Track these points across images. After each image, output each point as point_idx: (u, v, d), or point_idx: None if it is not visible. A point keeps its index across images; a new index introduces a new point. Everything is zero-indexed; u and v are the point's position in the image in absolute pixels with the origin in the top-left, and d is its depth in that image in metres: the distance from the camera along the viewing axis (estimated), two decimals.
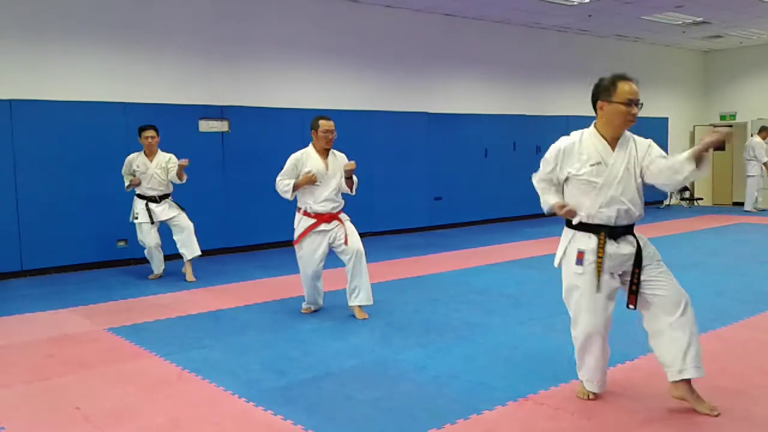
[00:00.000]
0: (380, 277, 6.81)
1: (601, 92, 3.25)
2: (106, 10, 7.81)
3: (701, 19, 11.64)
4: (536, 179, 3.46)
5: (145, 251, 7.04)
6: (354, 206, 5.58)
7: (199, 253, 6.97)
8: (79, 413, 3.41)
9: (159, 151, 6.91)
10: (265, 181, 8.94)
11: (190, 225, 6.94)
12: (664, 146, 11.82)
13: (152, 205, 6.86)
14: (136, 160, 6.88)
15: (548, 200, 3.37)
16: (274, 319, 5.26)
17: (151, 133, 6.82)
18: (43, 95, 7.42)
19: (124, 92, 7.94)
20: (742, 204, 13.50)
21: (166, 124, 7.34)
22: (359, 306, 5.23)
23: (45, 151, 7.40)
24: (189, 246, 6.92)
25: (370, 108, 10.10)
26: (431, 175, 10.86)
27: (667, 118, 14.40)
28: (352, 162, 5.23)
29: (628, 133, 3.32)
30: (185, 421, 3.28)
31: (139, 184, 6.81)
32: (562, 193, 3.37)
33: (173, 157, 6.89)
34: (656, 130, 13.98)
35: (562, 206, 3.26)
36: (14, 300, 6.20)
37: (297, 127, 9.21)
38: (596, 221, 3.29)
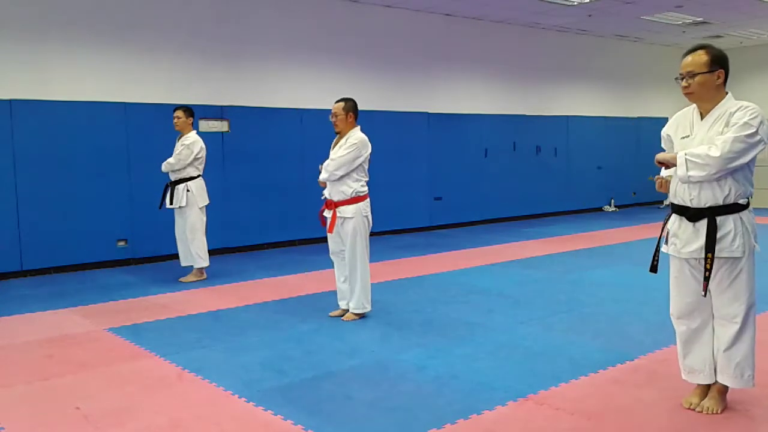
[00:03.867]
0: (380, 277, 6.81)
1: None
2: (106, 10, 7.81)
3: (701, 19, 11.64)
4: None
5: None
6: None
7: (193, 264, 6.86)
8: (79, 413, 3.41)
9: (192, 133, 6.81)
10: (265, 181, 9.01)
11: (193, 228, 6.77)
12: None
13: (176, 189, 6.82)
14: None
15: None
16: (274, 319, 5.26)
17: (176, 113, 6.81)
18: (43, 95, 7.42)
19: (124, 92, 7.95)
20: None
21: (166, 124, 7.33)
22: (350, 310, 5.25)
23: (45, 151, 7.40)
24: (185, 254, 6.90)
25: (370, 108, 10.08)
26: (431, 175, 10.86)
27: (667, 118, 14.31)
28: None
29: (732, 104, 3.07)
30: (185, 422, 3.28)
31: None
32: None
33: (189, 137, 6.76)
34: (657, 130, 13.96)
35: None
36: (14, 300, 6.20)
37: (297, 127, 9.22)
38: (677, 201, 3.17)
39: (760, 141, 2.97)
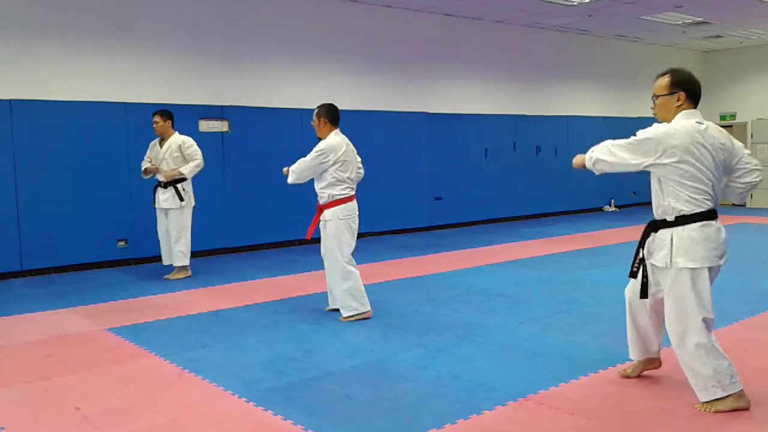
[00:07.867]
0: (380, 277, 6.81)
1: None
2: (106, 10, 7.81)
3: (701, 19, 11.65)
4: None
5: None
6: None
7: (175, 264, 6.91)
8: (79, 413, 3.41)
9: (175, 135, 6.87)
10: (266, 181, 9.00)
11: (182, 226, 6.83)
12: None
13: (159, 191, 6.89)
14: (152, 147, 6.99)
15: None
16: (274, 319, 5.26)
17: (155, 118, 6.84)
18: (43, 95, 7.42)
19: (124, 92, 7.94)
20: (741, 204, 13.49)
21: None
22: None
23: (45, 151, 7.40)
24: (168, 253, 6.97)
25: (370, 108, 10.10)
26: (431, 175, 10.86)
27: None
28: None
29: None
30: (185, 421, 3.28)
31: (155, 171, 6.87)
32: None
33: (188, 140, 6.86)
34: None
35: None
36: (14, 300, 6.20)
37: (297, 127, 9.21)
38: None
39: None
